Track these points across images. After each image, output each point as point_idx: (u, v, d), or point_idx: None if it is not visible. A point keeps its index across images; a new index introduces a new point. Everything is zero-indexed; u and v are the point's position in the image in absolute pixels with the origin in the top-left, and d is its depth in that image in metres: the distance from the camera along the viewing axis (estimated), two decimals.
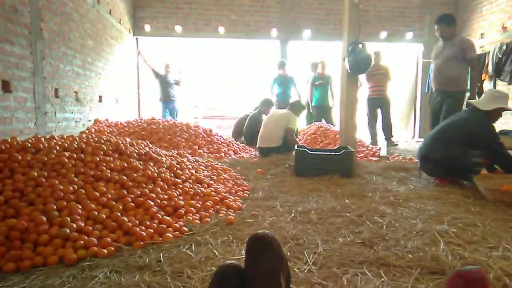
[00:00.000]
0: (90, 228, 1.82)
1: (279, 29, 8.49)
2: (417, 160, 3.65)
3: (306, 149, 3.80)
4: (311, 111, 7.41)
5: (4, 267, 1.53)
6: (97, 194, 2.09)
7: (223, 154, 4.93)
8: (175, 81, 7.84)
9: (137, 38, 8.36)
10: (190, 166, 3.05)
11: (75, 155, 2.39)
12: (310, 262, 1.56)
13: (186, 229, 1.99)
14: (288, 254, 1.65)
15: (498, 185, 2.78)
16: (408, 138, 8.95)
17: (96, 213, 1.93)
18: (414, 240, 1.80)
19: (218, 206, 2.42)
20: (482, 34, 7.97)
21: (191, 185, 2.64)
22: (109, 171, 2.34)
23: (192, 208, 2.28)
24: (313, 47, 9.25)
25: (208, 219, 2.17)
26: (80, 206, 1.94)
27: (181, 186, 2.56)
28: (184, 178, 2.72)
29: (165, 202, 2.25)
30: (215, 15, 8.35)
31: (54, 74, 4.44)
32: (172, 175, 2.68)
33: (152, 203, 2.16)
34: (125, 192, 2.21)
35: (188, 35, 8.38)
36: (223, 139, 5.61)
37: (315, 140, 5.82)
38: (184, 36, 8.41)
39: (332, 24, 8.53)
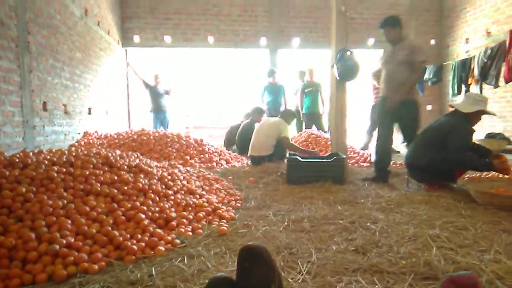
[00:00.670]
0: (80, 243, 1.79)
1: (268, 38, 8.56)
2: None
3: (297, 157, 3.81)
4: (301, 119, 7.44)
5: None
6: (87, 208, 2.06)
7: (215, 164, 4.91)
8: (165, 91, 7.83)
9: (126, 49, 8.34)
10: (182, 177, 3.03)
11: (64, 169, 2.36)
12: (304, 271, 1.55)
13: (178, 241, 1.97)
14: (282, 263, 1.64)
15: (487, 188, 2.82)
16: (398, 143, 9.02)
17: (86, 228, 1.90)
18: (407, 246, 1.81)
19: (210, 217, 2.40)
20: (467, 39, 8.14)
21: (183, 196, 2.62)
22: (99, 185, 2.31)
23: (184, 220, 2.26)
24: (302, 54, 9.33)
25: (200, 230, 2.15)
26: (69, 221, 1.91)
27: (173, 197, 2.54)
28: (175, 189, 2.69)
29: (157, 214, 2.23)
30: (204, 25, 8.39)
31: (42, 87, 4.40)
32: (164, 186, 2.65)
33: (143, 216, 2.13)
34: (116, 206, 2.18)
35: (177, 45, 8.40)
36: (215, 148, 5.60)
37: (306, 148, 5.83)
38: (174, 46, 8.42)
39: (320, 32, 8.63)
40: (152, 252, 1.83)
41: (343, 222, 2.23)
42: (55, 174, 2.26)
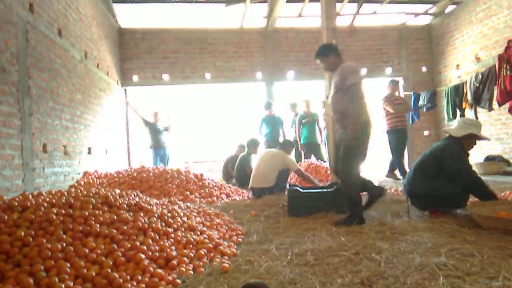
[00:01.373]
0: (80, 287, 1.75)
1: (263, 72, 8.77)
2: None
3: (298, 188, 3.79)
4: (299, 149, 7.49)
5: None
6: (86, 250, 2.03)
7: (215, 198, 4.88)
8: (164, 127, 7.92)
9: (125, 89, 8.52)
10: (182, 214, 3.00)
11: (63, 211, 2.35)
12: None
13: (179, 281, 1.93)
14: None
15: (491, 212, 2.79)
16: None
17: (85, 270, 1.87)
18: (413, 276, 1.77)
19: (212, 254, 2.36)
20: (457, 65, 8.34)
21: (183, 234, 2.58)
22: (98, 225, 2.28)
23: (185, 258, 2.22)
24: (298, 86, 9.52)
25: (202, 268, 2.10)
26: (68, 265, 1.88)
27: (173, 235, 2.50)
28: (175, 226, 2.66)
29: (157, 253, 2.19)
30: (201, 63, 8.62)
31: (42, 130, 4.44)
32: (164, 224, 2.62)
33: (143, 256, 2.09)
34: (115, 246, 2.15)
35: (175, 82, 8.59)
36: (215, 182, 5.58)
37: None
38: (172, 84, 8.62)
39: (313, 65, 8.80)
40: None
41: (347, 254, 2.19)
42: (54, 216, 2.24)
